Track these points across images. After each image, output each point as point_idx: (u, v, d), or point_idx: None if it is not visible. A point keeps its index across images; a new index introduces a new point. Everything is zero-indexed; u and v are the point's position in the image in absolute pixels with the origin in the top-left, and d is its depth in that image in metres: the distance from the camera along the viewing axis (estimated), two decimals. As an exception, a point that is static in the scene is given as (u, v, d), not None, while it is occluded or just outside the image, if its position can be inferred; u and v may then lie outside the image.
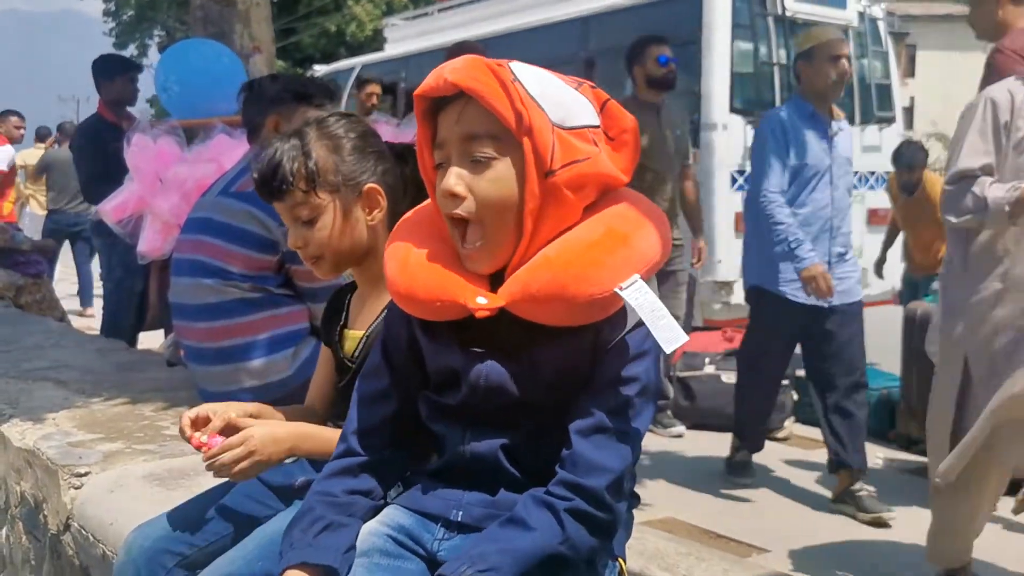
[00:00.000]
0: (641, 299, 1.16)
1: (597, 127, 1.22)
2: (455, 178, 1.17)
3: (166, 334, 4.72)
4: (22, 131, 7.81)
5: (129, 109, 4.77)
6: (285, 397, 2.55)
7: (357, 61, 10.07)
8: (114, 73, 4.64)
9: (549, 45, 7.06)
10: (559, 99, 1.18)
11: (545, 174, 1.15)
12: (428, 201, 1.32)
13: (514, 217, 1.18)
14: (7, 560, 2.34)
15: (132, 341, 4.67)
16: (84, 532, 1.86)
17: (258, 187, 1.56)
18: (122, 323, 4.82)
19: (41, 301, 5.57)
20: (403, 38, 9.56)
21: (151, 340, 4.82)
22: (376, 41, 22.63)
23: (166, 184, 3.02)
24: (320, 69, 10.66)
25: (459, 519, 1.23)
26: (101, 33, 28.42)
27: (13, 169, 7.89)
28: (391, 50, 9.61)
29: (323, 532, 1.21)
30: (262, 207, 2.57)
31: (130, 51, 27.94)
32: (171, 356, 3.12)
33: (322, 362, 1.71)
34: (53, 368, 3.13)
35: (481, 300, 1.19)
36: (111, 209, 3.13)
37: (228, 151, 2.97)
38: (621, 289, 1.16)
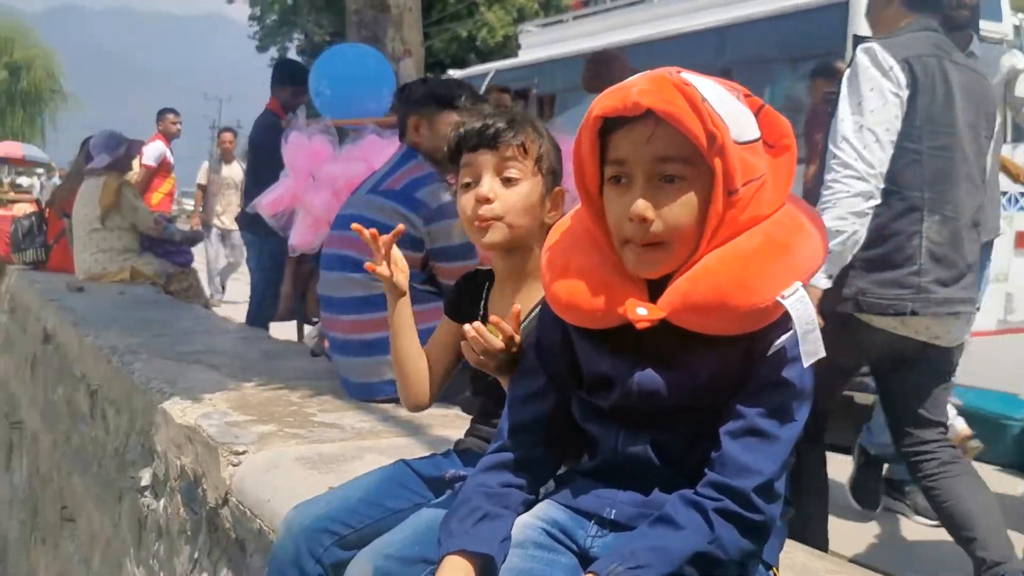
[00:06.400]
0: (800, 309, 1.17)
1: (760, 138, 1.23)
2: (644, 203, 1.18)
3: (298, 326, 4.92)
4: (178, 126, 8.26)
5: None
6: (425, 391, 2.64)
7: (491, 67, 10.23)
8: (289, 83, 4.89)
9: (685, 55, 7.00)
10: (734, 113, 1.18)
11: (729, 193, 1.16)
12: (577, 208, 1.35)
13: (695, 236, 1.19)
14: (163, 530, 2.48)
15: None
16: (242, 507, 1.96)
17: (477, 131, 1.58)
18: (267, 313, 5.05)
19: (188, 289, 5.86)
20: (537, 44, 9.65)
21: (282, 331, 4.99)
22: (506, 47, 22.86)
23: (318, 181, 3.15)
24: (454, 74, 10.87)
25: (612, 517, 1.26)
26: (246, 36, 29.59)
27: (163, 164, 8.32)
28: (524, 56, 9.72)
29: (480, 521, 1.26)
30: (409, 206, 2.66)
31: (271, 53, 29.04)
32: (315, 347, 3.25)
33: (444, 329, 1.74)
34: (205, 352, 3.29)
35: (642, 311, 1.20)
36: (267, 203, 3.28)
37: (378, 151, 3.08)
38: (783, 298, 1.16)
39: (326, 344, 2.94)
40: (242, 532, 1.96)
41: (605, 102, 1.19)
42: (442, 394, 2.69)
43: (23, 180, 27.00)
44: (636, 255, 1.21)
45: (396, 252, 1.67)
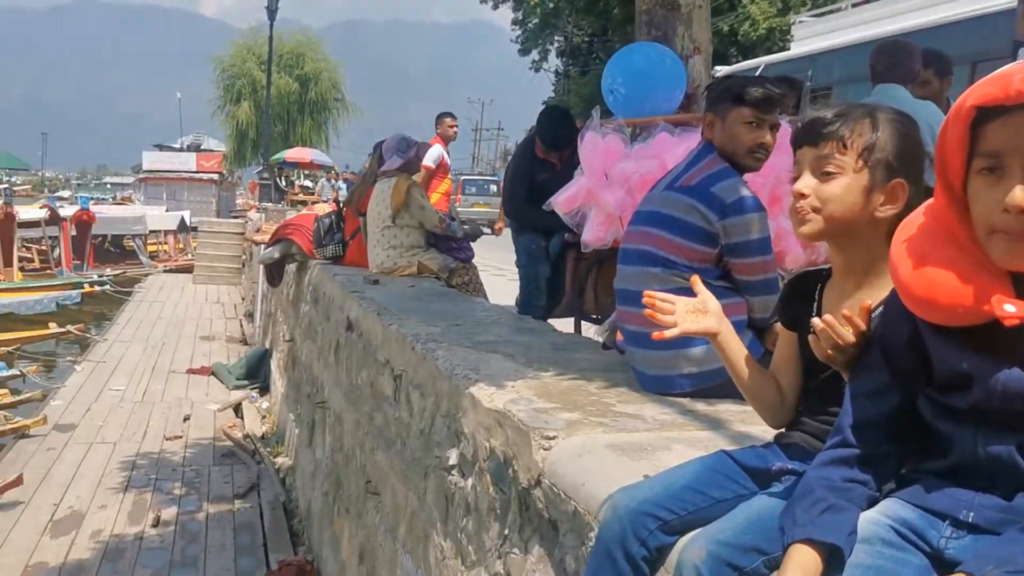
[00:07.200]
0: None
1: None
2: None
3: (575, 321, 5.06)
4: (455, 129, 8.73)
5: None
6: (721, 386, 2.64)
7: (760, 61, 10.00)
8: (542, 140, 5.13)
9: (982, 38, 6.50)
10: None
11: None
12: (929, 202, 1.31)
13: None
14: (471, 506, 2.65)
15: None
16: (555, 489, 2.06)
17: (803, 127, 1.61)
18: (534, 303, 5.25)
19: (468, 283, 6.17)
20: (811, 36, 9.32)
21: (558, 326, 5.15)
22: (769, 40, 22.22)
23: (612, 179, 3.24)
24: (721, 70, 10.71)
25: (970, 520, 1.22)
26: (508, 40, 30.67)
27: (441, 165, 8.82)
28: (797, 48, 9.42)
29: (825, 512, 1.26)
30: (704, 201, 2.67)
31: (533, 56, 29.95)
32: (607, 340, 3.33)
33: (784, 343, 1.75)
34: (499, 343, 3.46)
35: (1010, 308, 1.16)
36: (562, 201, 3.42)
37: (670, 149, 3.12)
38: None
39: (619, 337, 3.02)
40: (555, 513, 2.05)
41: (983, 91, 1.16)
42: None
43: (307, 182, 29.60)
44: (1008, 246, 1.16)
45: (699, 297, 1.75)
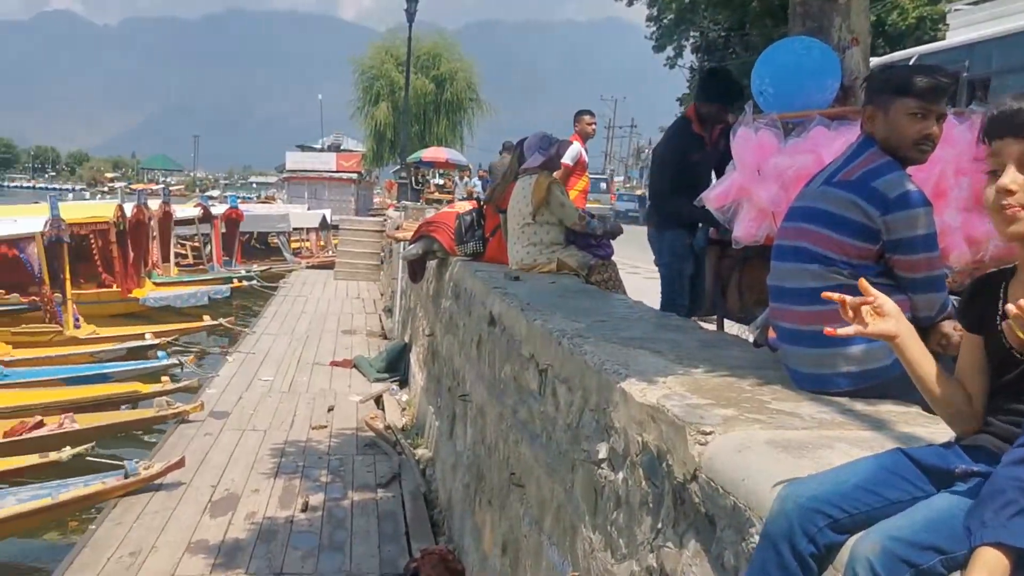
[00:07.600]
0: None
1: None
2: None
3: (718, 320, 4.99)
4: (594, 127, 8.74)
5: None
6: (880, 386, 2.57)
7: (914, 51, 9.61)
8: (716, 99, 5.05)
9: None
10: None
11: None
12: None
13: None
14: (622, 500, 2.66)
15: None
16: (713, 484, 2.05)
17: (1004, 117, 1.55)
18: (677, 302, 5.21)
19: (608, 280, 6.18)
20: (969, 24, 8.90)
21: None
22: (919, 29, 21.27)
23: (764, 174, 3.18)
24: (873, 61, 10.33)
25: None
26: (642, 37, 30.41)
27: (579, 163, 8.83)
28: (954, 37, 9.01)
29: (1017, 516, 1.22)
30: (865, 196, 2.60)
31: (667, 52, 29.59)
32: (758, 337, 3.28)
33: (969, 347, 1.69)
34: (645, 339, 3.46)
35: None
36: (714, 197, 3.39)
37: (827, 143, 3.04)
38: None
39: (771, 334, 2.97)
40: (712, 508, 2.04)
41: None
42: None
43: (439, 180, 30.22)
44: None
45: (879, 300, 1.70)
